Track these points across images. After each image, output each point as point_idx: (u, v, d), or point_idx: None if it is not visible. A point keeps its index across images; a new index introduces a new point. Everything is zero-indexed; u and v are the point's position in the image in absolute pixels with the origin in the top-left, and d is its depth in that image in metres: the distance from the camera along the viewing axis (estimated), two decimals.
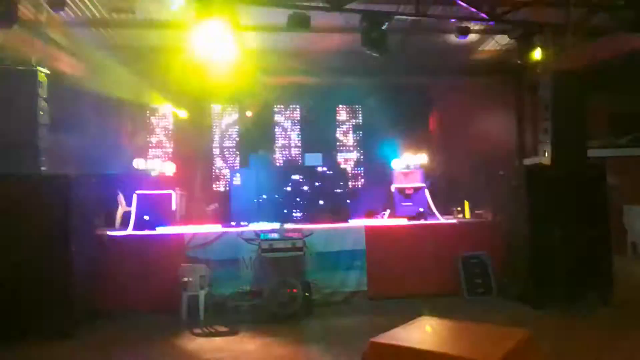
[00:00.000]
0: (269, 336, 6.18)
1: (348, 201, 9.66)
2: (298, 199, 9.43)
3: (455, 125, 11.82)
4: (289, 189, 9.45)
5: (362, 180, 11.74)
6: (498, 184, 8.12)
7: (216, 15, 6.19)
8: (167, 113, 11.18)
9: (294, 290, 6.81)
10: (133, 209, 8.37)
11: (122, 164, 9.52)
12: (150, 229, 7.96)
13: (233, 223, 8.65)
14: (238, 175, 9.55)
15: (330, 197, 9.49)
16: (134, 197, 8.45)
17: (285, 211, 9.35)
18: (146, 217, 8.21)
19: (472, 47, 8.95)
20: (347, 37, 8.00)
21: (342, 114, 11.89)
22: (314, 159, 9.83)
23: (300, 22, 6.69)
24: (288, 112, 11.68)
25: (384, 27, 6.76)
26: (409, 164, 10.04)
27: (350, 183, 11.34)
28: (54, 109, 6.79)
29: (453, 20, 7.32)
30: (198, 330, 6.55)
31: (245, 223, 8.70)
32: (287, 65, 9.80)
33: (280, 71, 10.11)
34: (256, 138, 11.15)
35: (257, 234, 7.66)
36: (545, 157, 7.52)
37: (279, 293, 6.78)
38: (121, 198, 8.89)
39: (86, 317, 6.59)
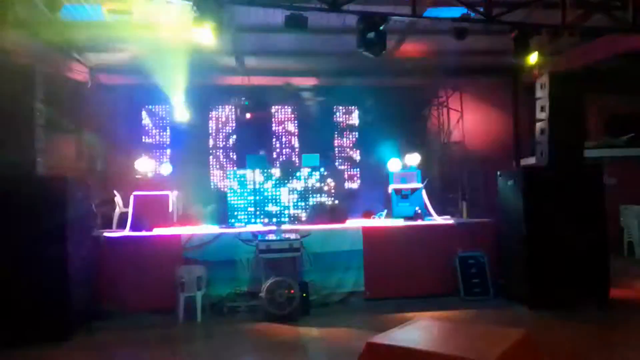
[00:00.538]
0: (267, 337, 6.18)
1: (345, 202, 9.67)
2: (295, 200, 9.44)
3: (452, 126, 11.87)
4: (286, 189, 9.46)
5: (359, 180, 11.75)
6: (495, 185, 8.14)
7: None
8: (165, 113, 11.18)
9: (292, 291, 6.81)
10: (130, 210, 8.37)
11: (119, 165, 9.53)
12: (147, 230, 7.95)
13: (230, 224, 8.65)
14: (235, 176, 9.54)
15: (327, 197, 9.50)
16: (131, 198, 8.46)
17: (282, 212, 9.37)
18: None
19: (468, 48, 8.96)
20: (344, 38, 8.00)
21: (339, 115, 11.90)
22: (311, 160, 9.84)
23: (297, 23, 6.69)
24: (285, 112, 11.69)
25: (381, 28, 6.77)
26: (405, 165, 10.07)
27: (347, 184, 11.36)
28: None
29: (450, 21, 7.35)
30: (195, 331, 6.55)
31: (243, 224, 8.71)
32: (284, 66, 9.81)
33: (278, 72, 10.12)
34: (253, 139, 11.16)
35: (254, 234, 7.66)
36: (542, 158, 7.54)
37: (276, 294, 6.78)
38: (118, 199, 8.89)
39: (83, 319, 6.57)
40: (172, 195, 9.03)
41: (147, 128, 11.19)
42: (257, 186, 9.36)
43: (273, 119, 11.67)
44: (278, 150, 11.65)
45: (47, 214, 6.17)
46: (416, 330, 3.82)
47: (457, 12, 7.20)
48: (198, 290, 6.99)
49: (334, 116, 11.88)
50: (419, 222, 8.64)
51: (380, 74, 10.35)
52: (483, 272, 7.85)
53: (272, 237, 7.46)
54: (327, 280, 7.66)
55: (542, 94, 7.55)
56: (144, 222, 8.06)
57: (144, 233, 7.87)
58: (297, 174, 9.59)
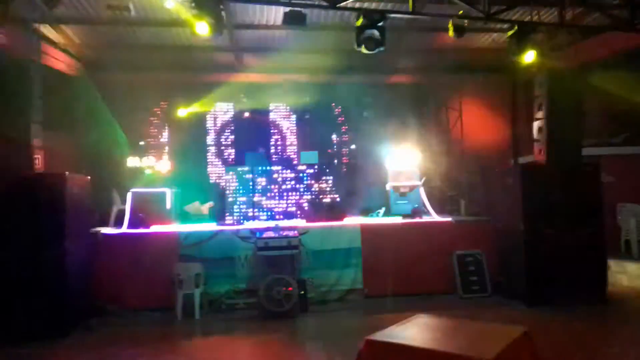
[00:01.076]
0: (265, 334, 6.18)
1: (343, 199, 9.67)
2: (294, 197, 9.43)
3: (451, 124, 11.85)
4: (285, 187, 9.45)
5: (358, 178, 11.73)
6: (493, 182, 8.14)
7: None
8: (165, 110, 11.15)
9: (290, 289, 6.81)
10: (128, 207, 8.35)
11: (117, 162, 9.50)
12: (144, 227, 7.93)
13: (228, 221, 8.64)
14: (234, 173, 9.53)
15: (325, 195, 9.50)
16: (129, 195, 8.43)
17: (281, 209, 9.36)
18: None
19: (467, 46, 8.95)
20: (343, 35, 7.99)
21: (338, 112, 11.88)
22: (309, 157, 9.82)
23: (296, 20, 6.67)
24: (284, 110, 11.66)
25: (380, 24, 6.75)
26: (404, 162, 10.05)
27: (345, 181, 11.34)
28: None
29: (448, 18, 7.34)
30: (193, 329, 6.54)
31: (241, 221, 8.70)
32: (282, 64, 9.77)
33: (277, 69, 10.09)
34: (252, 136, 11.13)
35: (252, 232, 7.66)
36: (540, 156, 7.55)
37: (274, 291, 6.78)
38: (116, 196, 8.86)
39: (80, 316, 6.56)
40: (170, 193, 9.01)
41: (145, 125, 11.14)
42: (256, 184, 9.35)
43: (271, 117, 11.64)
44: (277, 147, 11.62)
45: (44, 211, 6.16)
46: (415, 327, 3.81)
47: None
48: (196, 287, 6.99)
49: (333, 113, 11.86)
50: (417, 220, 8.64)
51: (379, 71, 10.33)
52: (481, 270, 7.87)
53: (270, 234, 7.45)
54: (326, 277, 7.66)
55: (540, 92, 7.56)
56: (141, 219, 8.05)
57: (141, 230, 7.85)
58: (296, 171, 9.58)
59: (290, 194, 9.43)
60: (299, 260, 7.50)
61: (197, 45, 8.64)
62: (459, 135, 11.72)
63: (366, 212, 9.83)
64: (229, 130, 11.41)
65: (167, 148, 11.04)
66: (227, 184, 9.52)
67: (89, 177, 7.41)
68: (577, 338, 5.70)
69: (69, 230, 6.29)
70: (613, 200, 9.93)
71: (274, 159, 11.33)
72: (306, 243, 7.62)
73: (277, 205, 9.38)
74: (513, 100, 11.43)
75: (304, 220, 8.83)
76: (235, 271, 7.52)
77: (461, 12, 6.98)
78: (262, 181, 9.38)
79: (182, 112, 10.75)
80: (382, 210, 9.53)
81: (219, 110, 11.43)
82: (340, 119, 11.86)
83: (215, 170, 11.26)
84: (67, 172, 6.49)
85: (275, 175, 9.45)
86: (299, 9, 6.58)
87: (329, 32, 8.40)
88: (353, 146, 11.78)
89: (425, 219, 8.81)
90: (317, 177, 9.53)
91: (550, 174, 7.27)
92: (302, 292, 7.06)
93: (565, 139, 7.39)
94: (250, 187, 9.31)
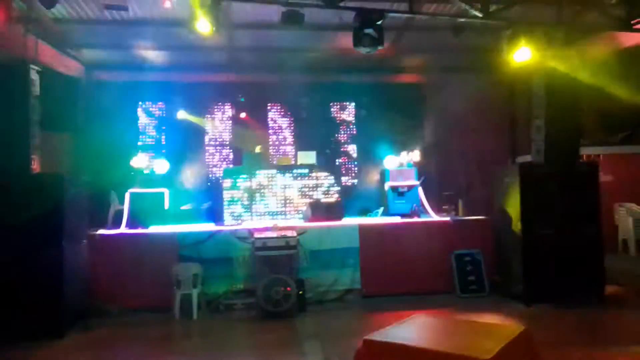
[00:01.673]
0: (263, 334, 6.17)
1: (342, 199, 9.66)
2: (292, 197, 9.43)
3: (448, 123, 11.84)
4: (282, 187, 9.44)
5: (356, 178, 11.74)
6: (491, 182, 8.14)
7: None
8: (161, 111, 11.13)
9: (288, 289, 6.80)
10: (125, 207, 8.33)
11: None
12: (142, 227, 7.92)
13: (226, 221, 8.62)
14: (231, 173, 9.51)
15: (324, 194, 9.49)
16: (127, 195, 8.41)
17: (278, 209, 9.35)
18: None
19: (464, 45, 8.94)
20: (340, 35, 7.97)
21: (335, 112, 11.87)
22: (307, 157, 9.81)
23: (293, 19, 6.66)
24: (281, 110, 11.65)
25: (378, 23, 6.75)
26: (402, 162, 10.05)
27: (343, 181, 11.34)
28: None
29: (447, 18, 7.34)
30: (191, 329, 6.53)
31: (239, 221, 8.67)
32: (280, 63, 9.76)
33: (274, 68, 10.07)
34: (250, 136, 11.11)
35: (250, 232, 7.64)
36: (537, 155, 7.55)
37: (272, 291, 6.77)
38: (114, 196, 8.84)
39: (78, 316, 6.55)
40: (168, 193, 8.99)
41: (142, 125, 11.12)
42: (253, 183, 9.34)
43: (269, 116, 11.63)
44: (274, 147, 11.61)
45: (42, 211, 6.13)
46: (413, 327, 3.80)
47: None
48: (194, 287, 6.98)
49: (331, 113, 11.85)
50: (416, 220, 8.64)
51: (377, 70, 10.33)
52: (479, 270, 7.87)
53: (268, 234, 7.44)
54: (324, 277, 7.66)
55: (538, 92, 7.56)
56: (139, 219, 8.03)
57: (139, 230, 7.84)
58: (294, 171, 9.57)
59: (288, 193, 9.42)
60: (297, 260, 7.49)
61: (196, 44, 8.62)
62: (457, 134, 11.71)
63: (364, 211, 9.83)
64: (227, 130, 11.40)
65: (164, 148, 11.02)
66: (225, 184, 9.48)
67: (87, 178, 7.39)
68: (575, 337, 5.70)
69: (66, 230, 6.27)
70: (610, 199, 9.95)
71: (271, 159, 11.33)
72: (304, 243, 7.61)
73: (275, 205, 9.37)
74: (511, 99, 11.43)
75: (303, 220, 8.82)
76: (233, 271, 7.51)
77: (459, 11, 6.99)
78: (259, 181, 9.36)
79: (181, 112, 10.74)
80: (381, 210, 9.53)
81: (217, 110, 11.42)
82: (338, 118, 11.86)
83: (213, 170, 11.26)
84: (64, 173, 6.47)
85: (272, 175, 9.43)
86: (296, 8, 6.58)
87: (327, 31, 8.38)
88: (351, 146, 11.78)
89: (423, 218, 8.81)
90: (315, 176, 9.52)
91: (548, 174, 7.27)
92: (301, 292, 7.06)
93: (563, 138, 7.37)
94: (248, 187, 9.30)
